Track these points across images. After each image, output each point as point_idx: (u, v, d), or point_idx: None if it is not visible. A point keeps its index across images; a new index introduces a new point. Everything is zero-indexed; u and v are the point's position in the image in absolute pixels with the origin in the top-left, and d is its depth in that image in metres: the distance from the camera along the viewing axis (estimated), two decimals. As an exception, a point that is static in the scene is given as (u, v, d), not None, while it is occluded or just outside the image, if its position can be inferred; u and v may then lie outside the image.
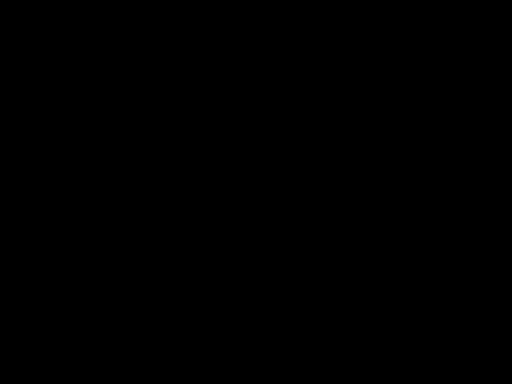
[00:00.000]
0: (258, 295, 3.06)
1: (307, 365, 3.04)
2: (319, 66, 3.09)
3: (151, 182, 3.05)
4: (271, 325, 3.05)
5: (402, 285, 3.09)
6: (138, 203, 3.04)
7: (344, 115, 3.11)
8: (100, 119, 3.05)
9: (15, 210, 3.02)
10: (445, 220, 3.10)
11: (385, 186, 3.11)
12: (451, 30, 3.11)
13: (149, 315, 3.03)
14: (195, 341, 3.04)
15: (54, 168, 3.04)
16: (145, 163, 3.06)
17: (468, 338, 3.06)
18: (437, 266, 3.10)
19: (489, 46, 3.11)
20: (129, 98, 3.06)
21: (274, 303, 3.06)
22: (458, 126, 3.12)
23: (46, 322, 3.01)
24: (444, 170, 3.11)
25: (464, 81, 3.12)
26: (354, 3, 3.10)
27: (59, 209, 3.03)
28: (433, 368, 3.05)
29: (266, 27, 3.09)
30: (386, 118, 3.12)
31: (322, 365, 3.04)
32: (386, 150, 3.12)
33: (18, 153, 3.03)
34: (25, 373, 2.99)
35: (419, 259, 3.09)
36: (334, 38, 3.10)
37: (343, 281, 3.08)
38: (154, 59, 3.08)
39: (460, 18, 3.11)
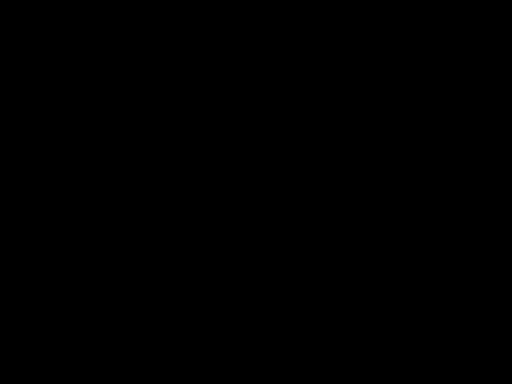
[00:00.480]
0: (258, 295, 3.06)
1: (307, 365, 3.04)
2: (319, 66, 3.09)
3: (151, 181, 3.05)
4: (271, 325, 3.05)
5: (401, 285, 3.09)
6: (137, 203, 3.05)
7: (344, 115, 3.11)
8: (100, 119, 3.05)
9: (15, 210, 3.02)
10: (445, 220, 3.10)
11: (385, 186, 3.11)
12: (451, 30, 3.11)
13: (149, 315, 3.03)
14: (195, 341, 3.04)
15: (53, 168, 3.04)
16: (145, 163, 3.06)
17: (468, 337, 3.06)
18: (437, 265, 3.10)
19: (489, 46, 3.11)
20: (129, 98, 3.07)
21: (274, 303, 3.06)
22: (458, 126, 3.12)
23: (45, 322, 3.01)
24: (444, 170, 3.11)
25: (464, 81, 3.12)
26: (353, 3, 3.10)
27: (59, 209, 3.03)
28: (433, 368, 3.05)
29: (266, 27, 3.09)
30: (386, 118, 3.12)
31: (322, 365, 3.04)
32: (385, 150, 3.12)
33: (18, 153, 3.04)
34: (25, 373, 2.99)
35: (419, 259, 3.10)
36: (334, 38, 3.10)
37: (343, 281, 3.09)
38: (154, 59, 3.08)
39: (460, 17, 3.11)
